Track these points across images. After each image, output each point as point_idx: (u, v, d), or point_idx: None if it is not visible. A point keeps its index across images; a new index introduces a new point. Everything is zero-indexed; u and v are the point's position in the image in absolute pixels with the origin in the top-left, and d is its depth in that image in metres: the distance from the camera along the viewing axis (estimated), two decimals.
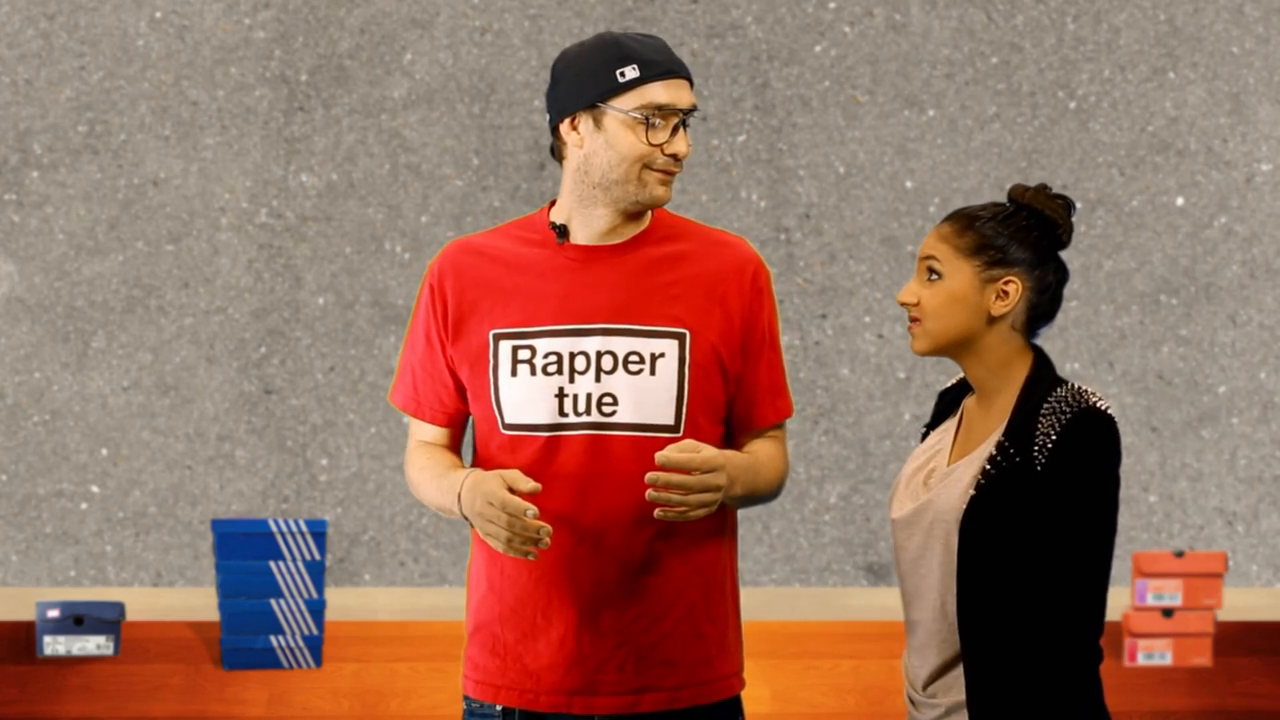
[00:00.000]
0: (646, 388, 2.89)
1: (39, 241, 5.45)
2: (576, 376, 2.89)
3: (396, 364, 3.09)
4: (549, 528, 2.81)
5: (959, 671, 2.81)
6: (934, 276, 2.83)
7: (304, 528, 4.77)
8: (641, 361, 2.89)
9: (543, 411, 2.89)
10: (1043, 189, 2.86)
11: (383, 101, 5.50)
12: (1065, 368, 5.59)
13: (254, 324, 5.49)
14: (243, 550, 4.77)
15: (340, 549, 5.50)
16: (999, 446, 2.77)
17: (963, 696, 2.80)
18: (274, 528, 4.78)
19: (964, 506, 2.76)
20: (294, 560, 4.78)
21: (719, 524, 3.00)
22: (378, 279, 5.50)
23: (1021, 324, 2.86)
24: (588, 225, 2.94)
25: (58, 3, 5.45)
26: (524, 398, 2.89)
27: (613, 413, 2.89)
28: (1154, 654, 4.93)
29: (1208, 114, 5.64)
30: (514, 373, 2.90)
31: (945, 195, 5.58)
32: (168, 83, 5.47)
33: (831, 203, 5.59)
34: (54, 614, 4.78)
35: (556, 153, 2.97)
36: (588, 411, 2.88)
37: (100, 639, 4.79)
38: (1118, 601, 4.45)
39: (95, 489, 5.47)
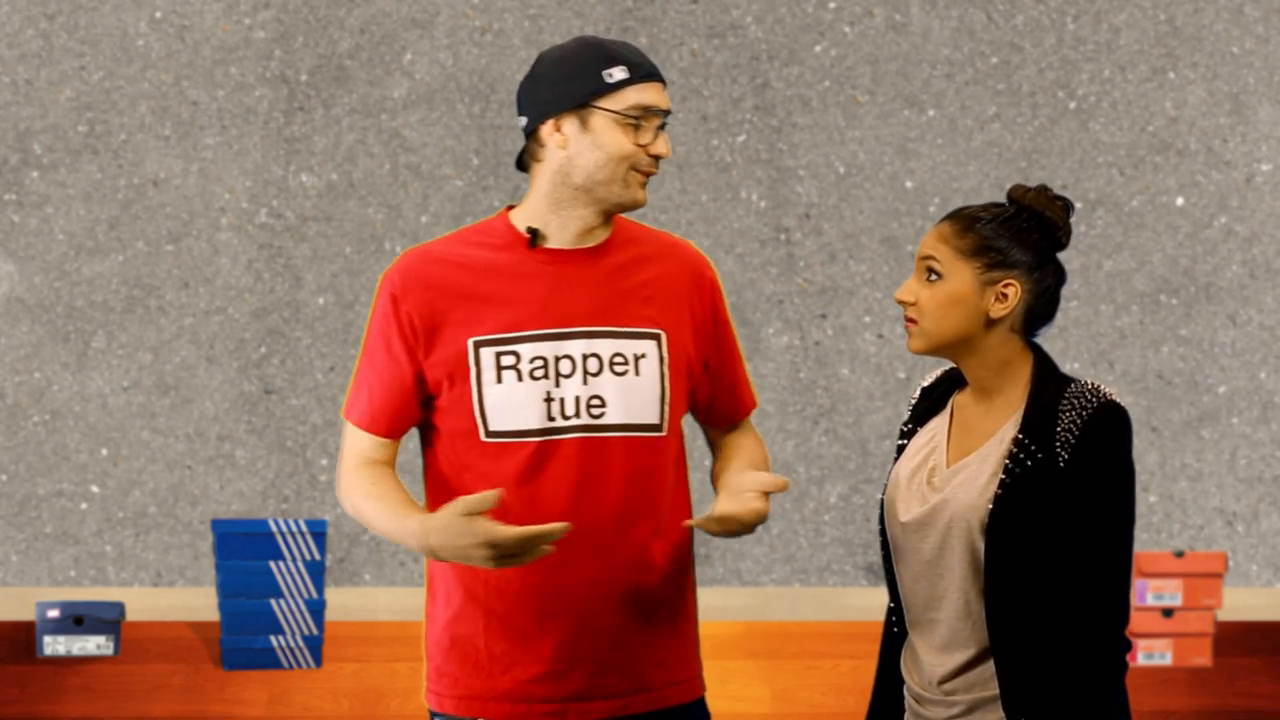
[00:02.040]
0: (633, 388, 2.92)
1: (39, 241, 5.45)
2: (562, 380, 2.90)
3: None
4: (564, 525, 2.80)
5: (983, 668, 2.81)
6: (933, 277, 2.83)
7: (304, 528, 4.77)
8: (626, 363, 2.93)
9: (532, 417, 2.89)
10: (1044, 190, 2.86)
11: (383, 101, 5.51)
12: (1065, 368, 5.59)
13: (254, 324, 5.49)
14: (243, 550, 4.77)
15: (340, 549, 5.51)
16: (1018, 443, 2.77)
17: (986, 693, 2.81)
18: (274, 528, 4.78)
19: (988, 505, 2.76)
20: (294, 560, 4.79)
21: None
22: (377, 279, 5.51)
23: (1020, 325, 2.86)
24: (564, 228, 2.94)
25: (58, 3, 5.45)
26: (511, 404, 2.89)
27: (601, 414, 2.91)
28: (1154, 654, 4.93)
29: (1208, 114, 5.64)
30: (499, 379, 2.89)
31: (945, 195, 5.58)
32: (168, 83, 5.47)
33: (831, 203, 5.59)
34: (54, 614, 4.78)
35: (527, 156, 2.96)
36: (577, 414, 2.90)
37: (100, 639, 4.79)
38: None
39: (95, 489, 5.48)
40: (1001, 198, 2.95)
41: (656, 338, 2.95)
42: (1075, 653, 2.75)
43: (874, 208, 5.59)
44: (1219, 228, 5.65)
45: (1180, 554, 4.94)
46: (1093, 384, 2.80)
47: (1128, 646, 2.80)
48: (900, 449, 2.96)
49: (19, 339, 5.46)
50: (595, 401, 2.90)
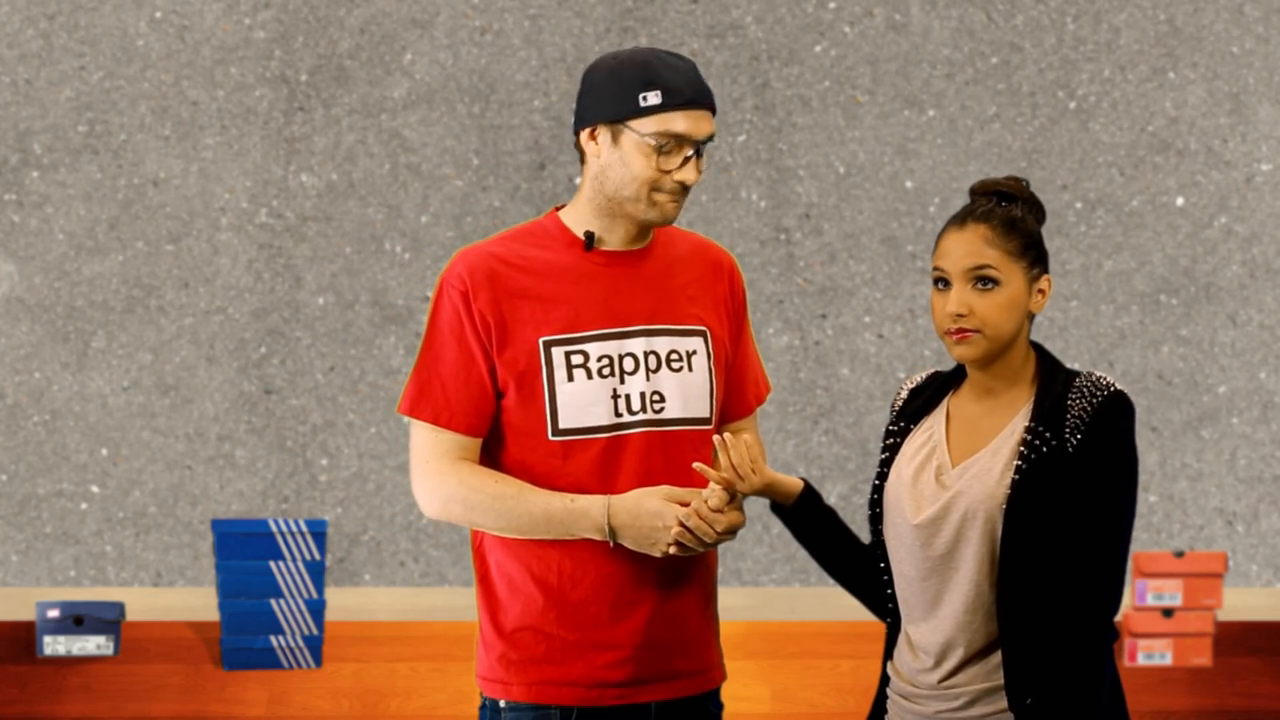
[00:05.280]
0: (689, 383, 3.05)
1: (39, 241, 5.45)
2: (627, 377, 3.01)
3: (410, 372, 3.07)
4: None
5: (987, 660, 2.83)
6: (989, 284, 2.83)
7: (304, 528, 4.77)
8: (681, 359, 3.05)
9: (602, 414, 3.00)
10: (1016, 179, 2.89)
11: (383, 101, 5.51)
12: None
13: (254, 324, 5.49)
14: (243, 550, 4.77)
15: (340, 549, 5.51)
16: (1030, 432, 2.80)
17: (989, 683, 2.83)
18: (274, 528, 4.78)
19: (1006, 492, 2.79)
20: (294, 560, 4.79)
21: None
22: (378, 279, 5.51)
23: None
24: (611, 233, 3.06)
25: (58, 3, 5.45)
26: (583, 401, 2.99)
27: (662, 409, 3.03)
28: (1154, 654, 4.93)
29: (1208, 114, 5.64)
30: (570, 377, 2.99)
31: (945, 195, 5.58)
32: (168, 83, 5.47)
33: (831, 203, 5.59)
34: (54, 614, 4.78)
35: (579, 153, 3.09)
36: (643, 410, 3.01)
37: (100, 639, 4.79)
38: None
39: (95, 489, 5.47)
40: None
41: (703, 334, 3.08)
42: (1072, 631, 2.78)
43: (874, 208, 5.59)
44: (1219, 228, 5.65)
45: (1180, 554, 4.94)
46: (1098, 374, 2.83)
47: (1116, 634, 2.84)
48: (891, 448, 2.97)
49: (19, 339, 5.46)
50: (656, 397, 3.02)
